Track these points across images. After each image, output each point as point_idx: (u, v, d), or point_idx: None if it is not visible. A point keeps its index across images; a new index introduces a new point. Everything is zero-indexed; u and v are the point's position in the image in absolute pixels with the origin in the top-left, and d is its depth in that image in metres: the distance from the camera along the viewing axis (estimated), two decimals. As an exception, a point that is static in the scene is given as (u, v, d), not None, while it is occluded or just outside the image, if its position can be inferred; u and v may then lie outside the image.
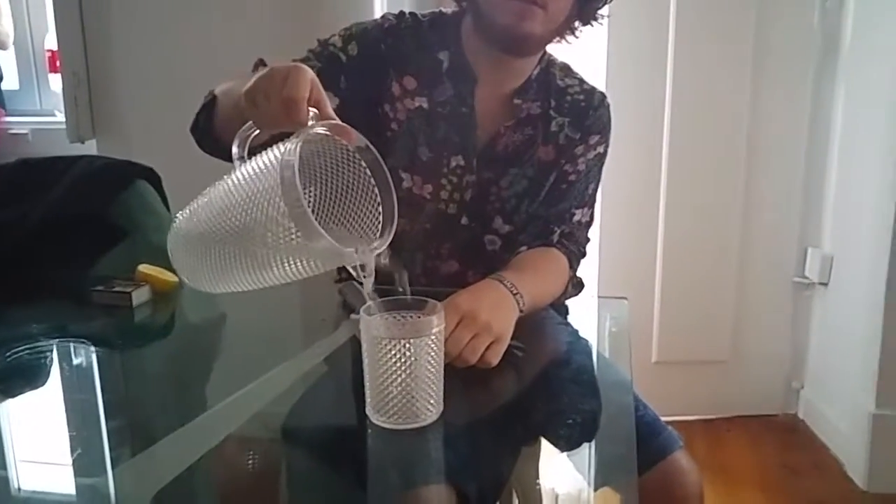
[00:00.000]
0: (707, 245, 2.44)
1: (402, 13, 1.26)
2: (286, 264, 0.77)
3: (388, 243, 0.85)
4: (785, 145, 2.40)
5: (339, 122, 0.84)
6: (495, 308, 1.02)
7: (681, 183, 2.39)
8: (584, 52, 1.34)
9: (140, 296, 1.23)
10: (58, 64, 2.39)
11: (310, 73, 0.84)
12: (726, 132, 2.37)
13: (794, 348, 2.55)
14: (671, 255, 2.44)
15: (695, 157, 2.37)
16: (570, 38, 1.24)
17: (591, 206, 1.34)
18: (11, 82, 2.83)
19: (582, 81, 1.32)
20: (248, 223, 0.76)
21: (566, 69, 1.32)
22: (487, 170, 1.26)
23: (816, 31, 2.31)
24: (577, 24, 1.23)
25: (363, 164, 0.84)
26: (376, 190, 0.85)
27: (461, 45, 1.25)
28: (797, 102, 2.36)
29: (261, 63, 1.17)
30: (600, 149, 1.31)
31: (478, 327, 0.97)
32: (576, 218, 1.31)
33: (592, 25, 1.25)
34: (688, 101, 2.33)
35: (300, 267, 0.78)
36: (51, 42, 2.78)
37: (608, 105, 1.31)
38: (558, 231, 1.28)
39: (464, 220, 1.27)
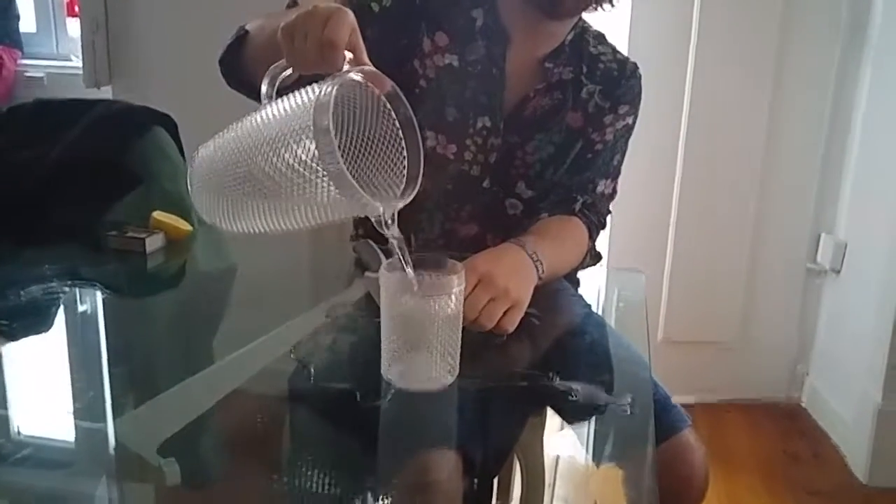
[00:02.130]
0: (720, 226, 2.42)
1: None
2: (310, 210, 0.75)
3: (411, 198, 0.83)
4: (805, 128, 2.36)
5: (373, 69, 0.82)
6: (515, 273, 1.01)
7: (697, 163, 2.36)
8: (608, 23, 1.32)
9: (153, 242, 1.22)
10: (76, 9, 2.36)
11: (351, 17, 0.81)
12: (746, 113, 2.33)
13: (801, 335, 2.54)
14: (683, 233, 2.42)
15: (713, 138, 2.34)
16: (606, 5, 1.21)
17: (615, 179, 1.32)
18: (29, 25, 2.80)
19: (615, 50, 1.30)
20: (277, 164, 0.73)
21: (600, 37, 1.29)
22: (514, 133, 1.24)
23: (844, 8, 2.27)
24: None
25: (393, 115, 0.81)
26: (403, 143, 0.82)
27: (496, 5, 1.22)
28: (821, 85, 2.32)
29: (294, 2, 1.14)
30: (629, 120, 1.29)
31: (496, 291, 0.95)
32: (599, 189, 1.29)
33: None
34: (709, 81, 2.30)
35: (323, 213, 0.76)
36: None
37: (640, 76, 1.29)
38: (581, 200, 1.27)
39: (486, 184, 1.25)
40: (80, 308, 1.11)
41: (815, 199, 2.42)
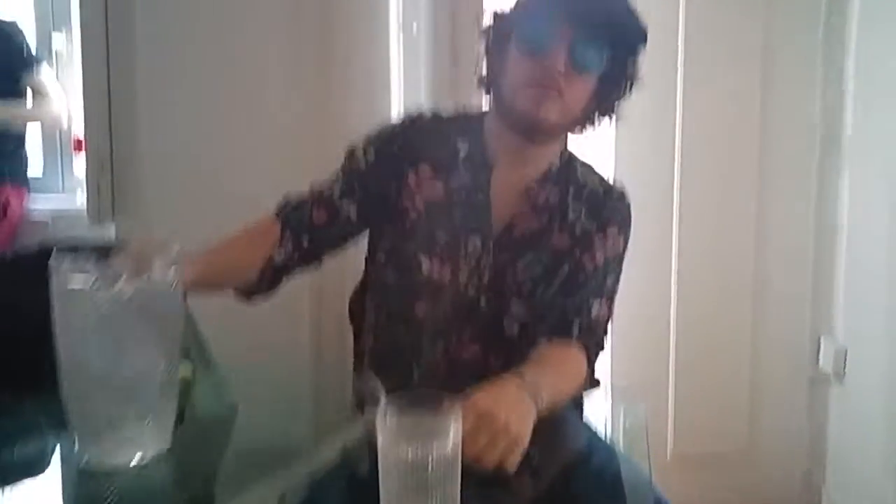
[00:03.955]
0: (719, 339, 2.42)
1: (421, 113, 1.37)
2: None
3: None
4: (793, 236, 2.41)
5: None
6: (514, 410, 1.01)
7: (692, 279, 2.40)
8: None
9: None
10: (83, 147, 2.43)
11: None
12: (735, 226, 2.39)
13: (812, 442, 2.49)
14: (684, 347, 2.43)
15: (705, 250, 2.39)
16: (589, 127, 1.30)
17: (610, 300, 1.34)
18: (36, 167, 2.87)
19: (603, 179, 1.36)
20: None
21: (588, 167, 1.37)
22: (504, 252, 1.29)
23: (818, 125, 2.36)
24: (595, 115, 1.29)
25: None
26: None
27: (482, 135, 1.31)
28: (803, 193, 2.39)
29: (287, 198, 1.34)
30: (619, 242, 1.33)
31: (496, 430, 0.96)
32: (594, 310, 1.30)
33: (611, 118, 1.30)
34: (696, 198, 2.36)
35: None
36: (77, 128, 2.84)
37: (629, 203, 1.35)
38: (578, 324, 1.28)
39: (483, 303, 1.30)
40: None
41: (810, 306, 2.43)
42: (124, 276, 0.92)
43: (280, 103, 1.96)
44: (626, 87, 1.29)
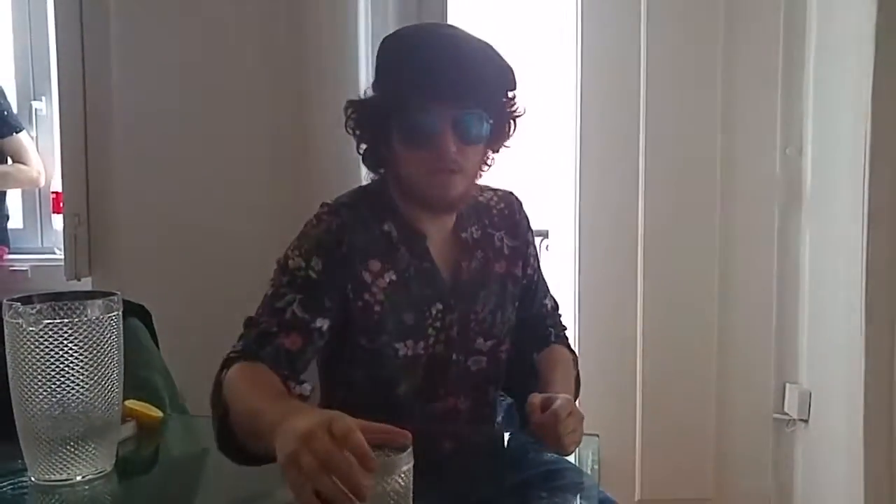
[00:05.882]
0: (685, 384, 2.48)
1: (333, 209, 1.32)
2: None
3: None
4: (757, 286, 2.49)
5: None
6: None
7: (658, 325, 2.47)
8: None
9: (125, 431, 1.26)
10: (61, 205, 2.47)
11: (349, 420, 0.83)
12: (700, 278, 2.47)
13: (778, 486, 2.52)
14: (651, 395, 2.48)
15: (671, 301, 2.46)
16: (487, 170, 1.40)
17: (550, 291, 1.55)
18: (16, 221, 2.92)
19: (494, 190, 1.47)
20: None
21: (478, 186, 1.41)
22: (461, 301, 1.36)
23: (779, 178, 2.45)
24: (491, 157, 1.37)
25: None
26: None
27: (399, 212, 1.34)
28: (765, 245, 2.47)
29: (250, 319, 1.23)
30: (535, 241, 1.51)
31: (578, 425, 1.19)
32: (549, 306, 1.52)
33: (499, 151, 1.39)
34: (661, 250, 2.45)
35: None
36: (56, 184, 2.89)
37: (521, 202, 1.48)
38: (552, 329, 1.48)
39: (454, 357, 1.35)
40: (53, 500, 1.13)
41: (774, 353, 2.49)
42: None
43: (255, 163, 2.01)
44: (511, 126, 1.34)
